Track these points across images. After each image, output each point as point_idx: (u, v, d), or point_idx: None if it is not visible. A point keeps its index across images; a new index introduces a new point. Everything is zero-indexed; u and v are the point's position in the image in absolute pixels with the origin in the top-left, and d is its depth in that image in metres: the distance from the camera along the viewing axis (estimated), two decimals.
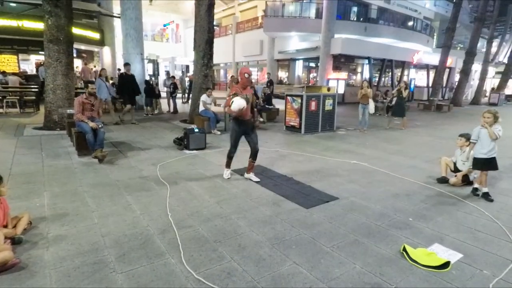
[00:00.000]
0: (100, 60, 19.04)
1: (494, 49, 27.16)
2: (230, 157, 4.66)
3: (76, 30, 12.88)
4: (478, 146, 4.16)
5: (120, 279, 2.32)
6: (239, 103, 4.07)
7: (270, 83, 15.19)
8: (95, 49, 19.22)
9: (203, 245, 2.82)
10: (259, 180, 4.58)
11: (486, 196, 4.14)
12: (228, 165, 4.73)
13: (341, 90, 18.66)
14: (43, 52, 7.92)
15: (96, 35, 17.66)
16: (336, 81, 18.32)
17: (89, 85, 5.86)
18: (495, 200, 4.09)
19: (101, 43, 18.03)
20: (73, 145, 6.16)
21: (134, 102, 9.45)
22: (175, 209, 3.56)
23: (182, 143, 6.40)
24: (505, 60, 27.23)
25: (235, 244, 2.85)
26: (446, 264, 2.59)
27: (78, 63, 18.93)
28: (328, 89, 9.43)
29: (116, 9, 15.25)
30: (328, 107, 9.00)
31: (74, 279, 2.30)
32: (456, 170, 4.91)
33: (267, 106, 10.96)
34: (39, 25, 12.21)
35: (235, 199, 3.91)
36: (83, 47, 18.05)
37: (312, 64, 22.36)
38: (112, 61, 18.23)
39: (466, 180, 4.70)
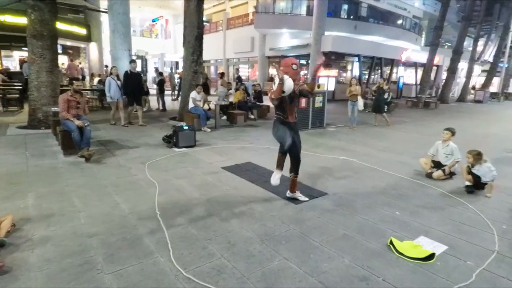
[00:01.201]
0: (87, 57, 18.68)
1: (480, 48, 27.72)
2: (284, 153, 3.64)
3: (61, 25, 12.62)
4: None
5: (108, 279, 2.30)
6: (290, 84, 3.34)
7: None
8: (82, 45, 18.84)
9: (193, 243, 2.81)
10: (307, 199, 3.86)
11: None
12: (280, 165, 3.68)
13: (331, 87, 18.77)
14: (26, 48, 7.70)
15: (82, 31, 17.29)
16: (327, 78, 18.41)
17: (74, 82, 5.73)
18: (479, 195, 4.19)
19: (87, 38, 17.66)
20: (58, 144, 6.04)
21: (140, 102, 8.95)
22: (164, 207, 3.54)
23: (172, 140, 6.34)
24: (491, 59, 27.84)
25: (225, 241, 2.85)
26: (431, 256, 2.65)
27: (63, 60, 18.57)
28: (318, 86, 9.46)
29: (103, 3, 14.96)
30: (318, 104, 9.04)
31: (60, 281, 2.26)
32: (436, 164, 5.03)
33: (257, 103, 10.95)
34: (22, 20, 11.87)
35: (225, 197, 3.91)
36: (68, 43, 17.67)
37: (303, 61, 22.41)
38: (99, 57, 17.88)
39: (449, 173, 4.82)
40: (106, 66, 17.85)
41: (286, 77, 3.31)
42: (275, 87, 3.33)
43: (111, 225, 3.10)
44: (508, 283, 2.38)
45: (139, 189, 4.07)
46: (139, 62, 16.41)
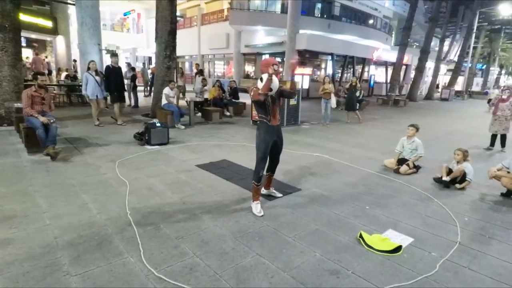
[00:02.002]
0: (54, 50, 17.78)
1: (446, 48, 29.11)
2: (259, 179, 3.40)
3: (24, 17, 11.96)
4: None
5: (75, 281, 2.21)
6: (276, 82, 3.31)
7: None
8: (48, 38, 17.90)
9: (164, 242, 2.76)
10: (281, 195, 3.90)
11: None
12: (257, 194, 3.47)
13: (305, 85, 19.02)
14: None
15: (48, 23, 16.41)
16: (301, 76, 18.63)
17: (39, 76, 5.44)
18: (443, 189, 4.40)
19: (54, 31, 16.78)
20: (22, 141, 5.72)
21: (124, 98, 8.45)
22: (135, 207, 3.45)
23: (143, 138, 6.18)
24: (456, 59, 29.33)
25: (198, 240, 2.82)
26: (398, 248, 2.76)
27: (28, 53, 17.58)
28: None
29: None
30: (292, 102, 9.13)
31: (23, 284, 2.15)
32: (400, 160, 5.25)
33: (233, 100, 10.90)
34: None
35: (199, 195, 3.86)
36: (33, 35, 16.75)
37: (278, 59, 22.53)
38: (67, 51, 17.08)
39: (414, 166, 5.06)
40: (75, 61, 17.09)
41: (274, 77, 3.26)
42: (261, 84, 3.24)
43: (78, 225, 2.98)
44: (469, 272, 2.52)
45: (109, 188, 3.94)
46: (108, 56, 15.79)
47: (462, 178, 4.43)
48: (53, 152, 4.88)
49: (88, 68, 7.60)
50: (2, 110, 7.19)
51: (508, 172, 4.18)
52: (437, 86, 27.42)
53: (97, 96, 7.62)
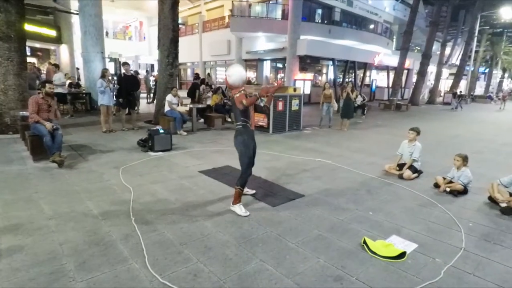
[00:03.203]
0: (57, 59, 17.97)
1: (448, 52, 29.15)
2: (245, 184, 3.59)
3: (29, 27, 12.09)
4: None
5: (80, 287, 2.23)
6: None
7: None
8: (52, 47, 18.09)
9: (168, 248, 2.78)
10: (254, 191, 4.11)
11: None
12: (239, 197, 3.57)
13: (307, 91, 19.08)
14: None
15: (52, 32, 16.61)
16: (303, 82, 18.71)
17: (47, 84, 5.51)
18: (446, 195, 4.39)
19: (57, 40, 16.97)
20: (27, 149, 5.78)
21: (134, 106, 8.68)
22: (138, 213, 3.47)
23: (147, 144, 6.23)
24: (457, 63, 29.33)
25: (202, 246, 2.84)
26: (402, 254, 2.76)
27: (34, 62, 17.75)
28: (294, 90, 9.61)
29: (74, 4, 14.48)
30: (294, 107, 9.17)
31: None
32: (400, 165, 5.25)
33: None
34: None
35: (202, 201, 3.88)
36: (37, 45, 16.94)
37: (280, 65, 22.65)
38: (70, 60, 17.24)
39: (415, 171, 5.08)
40: (78, 69, 17.26)
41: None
42: (245, 100, 3.33)
43: (83, 231, 3.00)
44: (474, 278, 2.51)
45: (113, 195, 3.97)
46: (112, 65, 15.89)
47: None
48: (59, 160, 4.94)
49: (103, 76, 7.71)
50: (8, 118, 7.27)
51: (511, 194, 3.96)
52: (430, 91, 26.69)
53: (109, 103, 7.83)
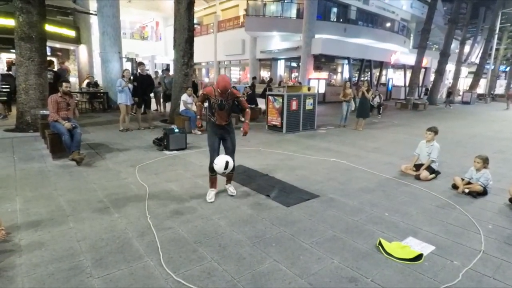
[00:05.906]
0: (76, 59, 18.46)
1: (467, 50, 28.31)
2: (211, 169, 3.87)
3: (49, 28, 12.44)
4: None
5: (97, 284, 2.28)
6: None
7: (252, 86, 14.66)
8: (71, 47, 18.58)
9: (183, 246, 2.81)
10: (234, 193, 4.09)
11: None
12: (213, 183, 3.96)
13: (322, 90, 18.93)
14: (14, 51, 7.58)
15: (71, 33, 17.06)
16: (317, 81, 18.57)
17: (64, 83, 5.66)
18: (464, 197, 4.26)
19: (77, 41, 17.43)
20: (47, 147, 5.96)
21: (149, 105, 8.82)
22: (154, 211, 3.52)
23: (162, 143, 6.31)
24: (477, 61, 28.47)
25: (216, 244, 2.85)
26: (419, 257, 2.69)
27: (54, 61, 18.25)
28: (309, 89, 9.54)
29: (93, 5, 14.83)
30: (308, 106, 9.11)
31: (48, 285, 2.24)
32: (417, 165, 5.13)
33: (249, 105, 10.95)
34: (10, 22, 11.67)
35: (216, 199, 3.90)
36: (57, 45, 17.40)
37: (294, 64, 22.55)
38: (89, 60, 17.70)
39: (433, 172, 4.95)
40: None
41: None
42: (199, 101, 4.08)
43: (100, 229, 3.07)
44: (493, 282, 2.43)
45: (129, 193, 4.04)
46: (129, 64, 16.22)
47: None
48: (78, 158, 5.06)
49: (123, 76, 7.92)
50: (29, 117, 7.52)
51: None
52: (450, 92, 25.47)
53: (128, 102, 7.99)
